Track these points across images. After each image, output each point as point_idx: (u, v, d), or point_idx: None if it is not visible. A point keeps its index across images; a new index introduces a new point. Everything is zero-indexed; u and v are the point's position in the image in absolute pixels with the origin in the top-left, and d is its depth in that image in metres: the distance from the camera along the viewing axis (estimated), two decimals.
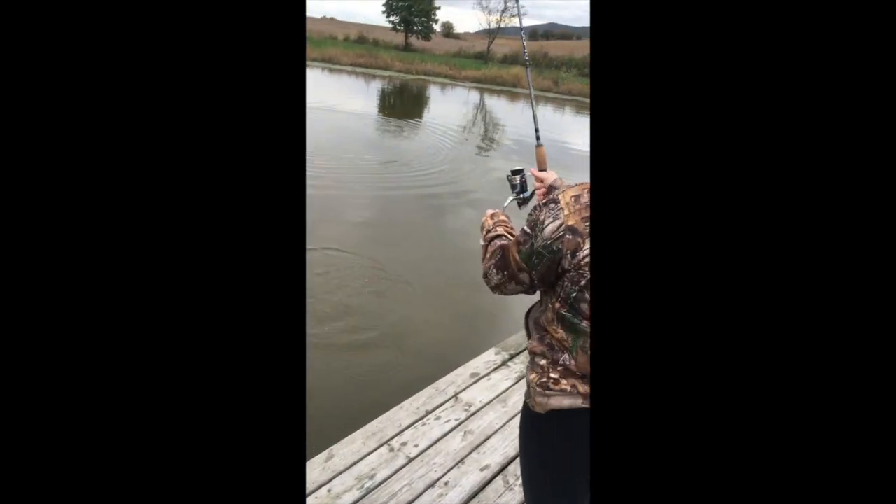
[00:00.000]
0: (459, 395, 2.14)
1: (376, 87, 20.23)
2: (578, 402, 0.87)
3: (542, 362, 0.91)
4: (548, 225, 0.81)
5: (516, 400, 2.12)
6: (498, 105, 19.85)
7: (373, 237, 5.02)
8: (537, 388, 0.91)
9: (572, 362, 0.87)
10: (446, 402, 2.09)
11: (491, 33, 36.26)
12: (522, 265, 0.87)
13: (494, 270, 0.94)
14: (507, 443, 1.89)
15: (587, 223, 0.79)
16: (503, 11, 35.26)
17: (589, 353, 0.85)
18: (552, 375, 0.89)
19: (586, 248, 0.79)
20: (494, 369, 2.34)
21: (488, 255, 0.98)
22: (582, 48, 42.73)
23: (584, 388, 0.87)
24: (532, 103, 1.43)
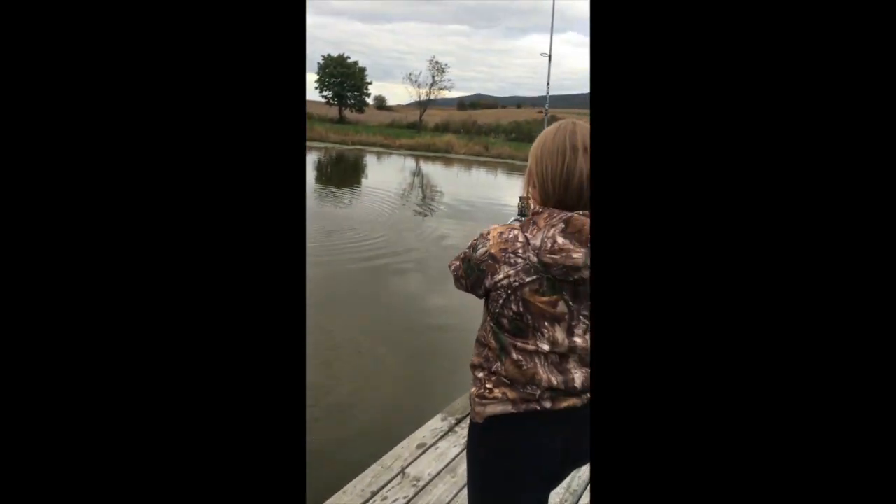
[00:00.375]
0: (406, 470, 2.02)
1: (312, 158, 20.44)
2: (509, 409, 1.00)
3: (480, 374, 1.04)
4: (479, 250, 1.01)
5: (465, 468, 2.04)
6: (433, 170, 20.52)
7: (319, 306, 4.89)
8: (476, 400, 1.04)
9: (502, 369, 1.01)
10: (393, 479, 1.97)
11: (422, 105, 38.10)
12: (461, 273, 1.06)
13: (453, 268, 1.13)
14: None
15: (504, 253, 0.98)
16: (432, 85, 37.36)
17: (514, 360, 1.00)
18: (488, 385, 1.02)
19: (501, 273, 0.98)
20: (441, 437, 2.25)
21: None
22: (507, 115, 45.77)
23: (512, 394, 1.00)
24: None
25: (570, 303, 0.98)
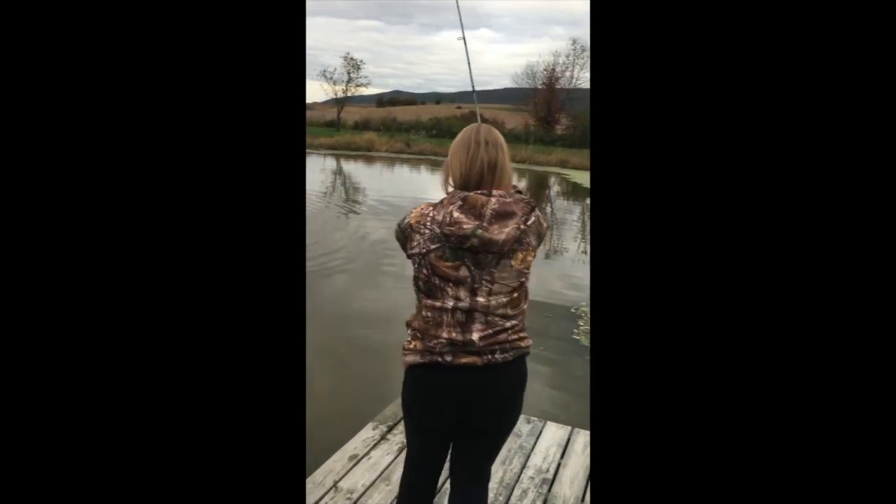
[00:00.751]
0: (339, 484, 1.96)
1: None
2: (418, 359, 1.22)
3: (408, 330, 1.26)
4: (405, 220, 1.23)
5: (399, 475, 2.01)
6: (356, 169, 20.12)
7: None
8: (402, 351, 1.26)
9: (417, 325, 1.22)
10: (325, 494, 1.91)
11: (339, 102, 37.21)
12: (396, 235, 1.27)
13: (394, 231, 1.31)
14: None
15: (418, 224, 1.19)
16: (348, 81, 36.56)
17: (425, 317, 1.21)
18: (408, 339, 1.25)
19: (415, 241, 1.20)
20: (374, 446, 2.21)
21: None
22: (426, 111, 45.72)
23: (421, 346, 1.21)
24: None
25: (472, 268, 1.18)
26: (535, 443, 2.29)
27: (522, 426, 2.39)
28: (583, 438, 2.35)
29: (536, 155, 24.74)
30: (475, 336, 1.18)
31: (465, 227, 1.14)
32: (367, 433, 2.30)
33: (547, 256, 7.57)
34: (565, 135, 32.30)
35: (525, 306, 1.29)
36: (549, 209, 12.71)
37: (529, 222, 1.19)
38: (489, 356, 1.20)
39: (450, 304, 1.18)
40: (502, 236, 1.15)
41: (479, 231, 1.14)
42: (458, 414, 1.25)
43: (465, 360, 1.19)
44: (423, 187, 15.20)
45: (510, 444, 2.24)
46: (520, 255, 1.20)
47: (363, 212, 10.69)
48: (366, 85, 37.71)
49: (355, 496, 1.90)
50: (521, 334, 1.27)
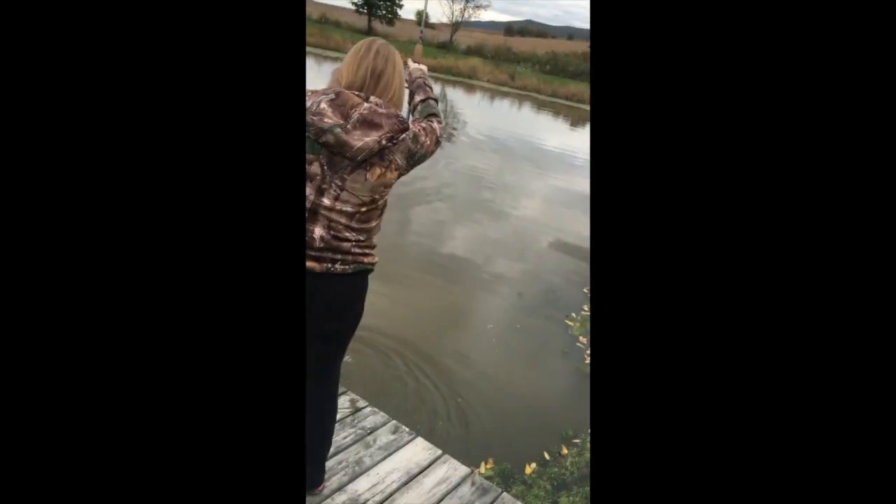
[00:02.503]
0: None
1: (327, 69, 19.32)
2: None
3: None
4: None
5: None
6: (454, 96, 19.23)
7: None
8: None
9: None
10: None
11: (455, 24, 35.60)
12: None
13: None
14: None
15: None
16: (467, 2, 34.62)
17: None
18: None
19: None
20: None
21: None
22: (550, 45, 42.46)
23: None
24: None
25: (325, 167, 1.15)
26: (381, 460, 1.73)
27: (384, 435, 1.84)
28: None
29: None
30: (315, 234, 1.16)
31: (325, 120, 1.11)
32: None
33: None
34: None
35: (375, 224, 1.25)
36: None
37: (395, 141, 1.15)
38: (329, 265, 1.19)
39: None
40: (359, 143, 1.12)
41: (338, 130, 1.11)
42: None
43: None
44: (530, 128, 14.11)
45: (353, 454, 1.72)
46: (377, 170, 1.16)
47: (468, 142, 10.08)
48: (485, 7, 35.48)
49: None
50: (368, 251, 1.24)
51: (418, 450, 1.81)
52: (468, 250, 4.88)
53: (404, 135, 1.17)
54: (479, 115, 14.90)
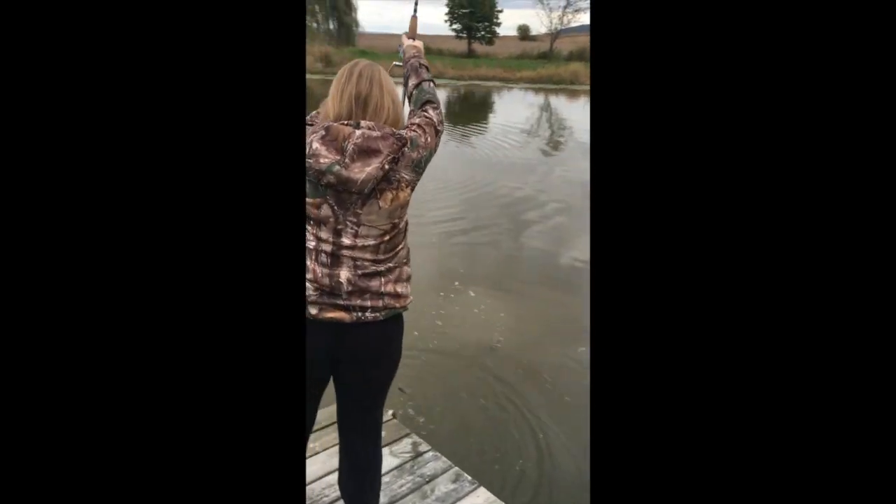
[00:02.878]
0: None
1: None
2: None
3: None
4: None
5: None
6: (557, 103, 18.78)
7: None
8: None
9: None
10: None
11: (555, 32, 34.90)
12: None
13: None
14: None
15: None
16: (565, 7, 33.79)
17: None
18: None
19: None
20: None
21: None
22: None
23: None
24: None
25: (335, 207, 1.08)
26: None
27: (443, 484, 1.72)
28: None
29: None
30: (342, 279, 1.10)
31: (322, 161, 1.05)
32: None
33: None
34: None
35: (402, 247, 1.17)
36: None
37: (398, 162, 1.08)
38: (359, 314, 1.11)
39: (312, 244, 1.09)
40: (362, 175, 1.05)
41: (337, 168, 1.04)
42: (329, 366, 1.19)
43: (331, 314, 1.10)
44: None
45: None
46: (388, 195, 1.09)
47: (568, 149, 9.93)
48: (583, 10, 34.33)
49: None
50: (399, 288, 1.16)
51: (479, 502, 1.67)
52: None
53: (405, 148, 1.08)
54: (584, 119, 14.36)
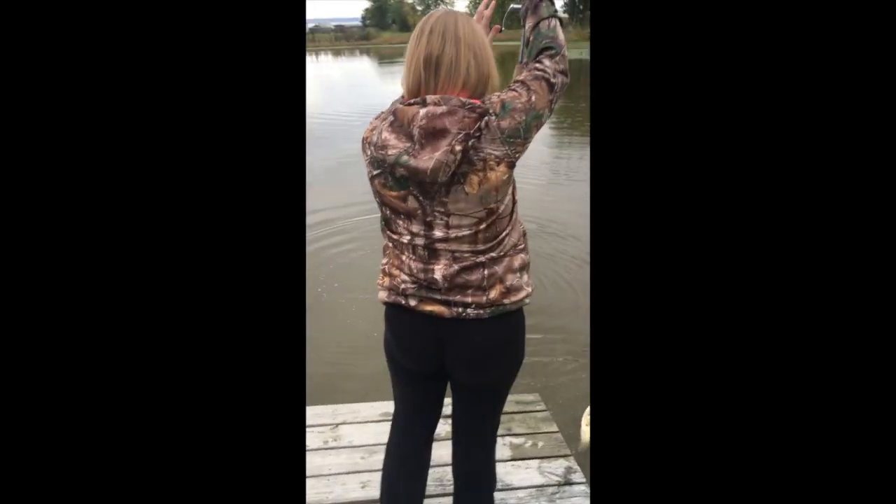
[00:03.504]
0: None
1: None
2: (385, 296, 1.06)
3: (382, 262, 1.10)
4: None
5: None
6: None
7: None
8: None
9: (384, 258, 1.07)
10: None
11: None
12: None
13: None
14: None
15: (365, 141, 0.97)
16: None
17: (387, 249, 1.05)
18: (380, 273, 1.08)
19: (366, 161, 0.98)
20: None
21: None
22: None
23: (387, 282, 1.05)
24: None
25: (420, 198, 0.95)
26: None
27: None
28: None
29: None
30: (437, 274, 0.97)
31: (391, 152, 0.92)
32: None
33: None
34: None
35: (507, 233, 0.99)
36: None
37: (481, 138, 0.88)
38: (458, 308, 0.99)
39: (406, 238, 0.99)
40: (431, 163, 0.88)
41: (404, 158, 0.90)
42: (434, 360, 1.07)
43: (429, 307, 1.00)
44: None
45: None
46: (474, 179, 0.91)
47: None
48: None
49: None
50: (509, 281, 0.99)
51: None
52: None
53: (486, 118, 0.88)
54: None
